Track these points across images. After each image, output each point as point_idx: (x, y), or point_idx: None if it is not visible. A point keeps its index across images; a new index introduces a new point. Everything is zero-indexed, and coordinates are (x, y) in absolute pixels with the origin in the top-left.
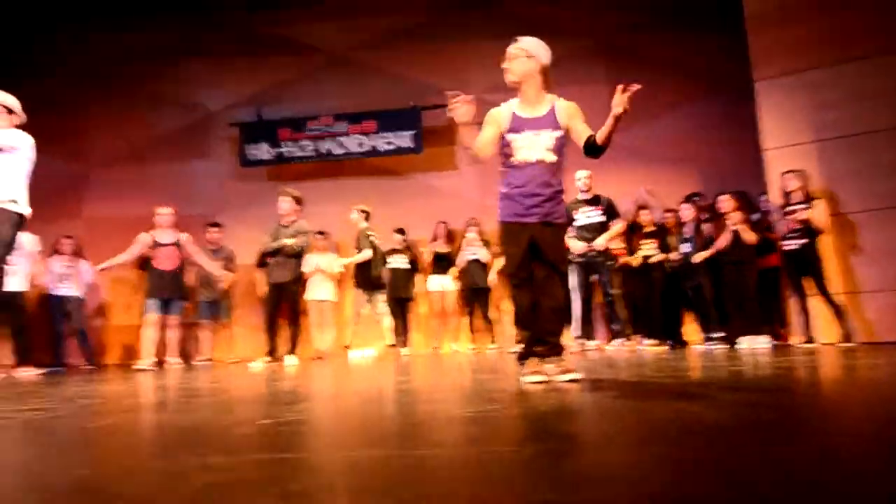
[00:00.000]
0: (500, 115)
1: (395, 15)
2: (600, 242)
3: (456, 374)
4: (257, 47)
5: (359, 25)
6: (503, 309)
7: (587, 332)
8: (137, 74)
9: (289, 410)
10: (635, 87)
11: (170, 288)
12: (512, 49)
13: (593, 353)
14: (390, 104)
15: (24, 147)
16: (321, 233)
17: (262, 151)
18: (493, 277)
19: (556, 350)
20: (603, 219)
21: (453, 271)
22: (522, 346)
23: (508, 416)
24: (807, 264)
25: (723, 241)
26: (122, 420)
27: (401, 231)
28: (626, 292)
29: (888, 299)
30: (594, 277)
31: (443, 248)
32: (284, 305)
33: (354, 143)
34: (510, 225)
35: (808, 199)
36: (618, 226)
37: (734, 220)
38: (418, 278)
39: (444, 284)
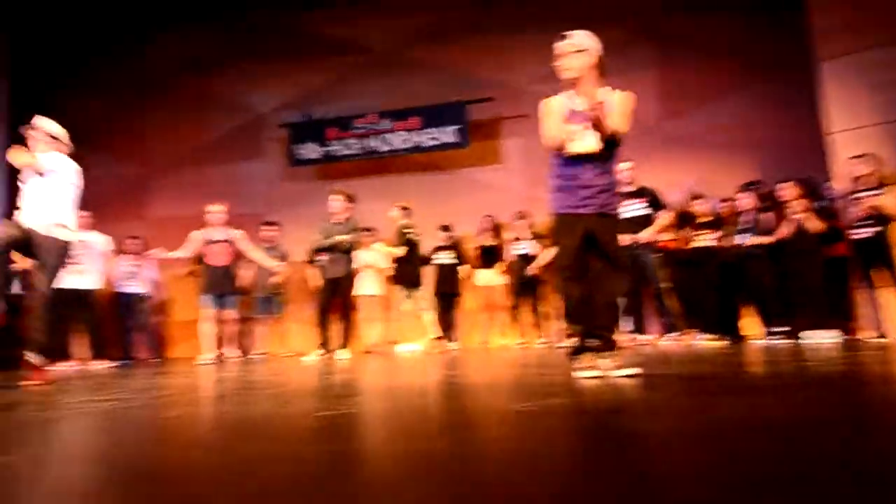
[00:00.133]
0: (558, 105)
1: (438, 10)
2: (645, 235)
3: (507, 369)
4: (303, 49)
5: (403, 22)
6: (552, 303)
7: (638, 327)
8: (192, 81)
9: (345, 403)
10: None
11: (222, 283)
12: (563, 45)
13: (646, 348)
14: (435, 99)
15: (67, 171)
16: (368, 229)
17: (310, 151)
18: (537, 266)
19: (610, 345)
20: (648, 211)
21: (500, 265)
22: (574, 340)
23: (564, 411)
24: (877, 254)
25: (785, 230)
26: (190, 412)
27: (446, 227)
28: (679, 285)
29: None
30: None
31: (489, 241)
32: (337, 300)
33: (399, 139)
34: (564, 216)
35: (879, 185)
36: (663, 217)
37: (797, 208)
38: (464, 273)
39: (492, 279)
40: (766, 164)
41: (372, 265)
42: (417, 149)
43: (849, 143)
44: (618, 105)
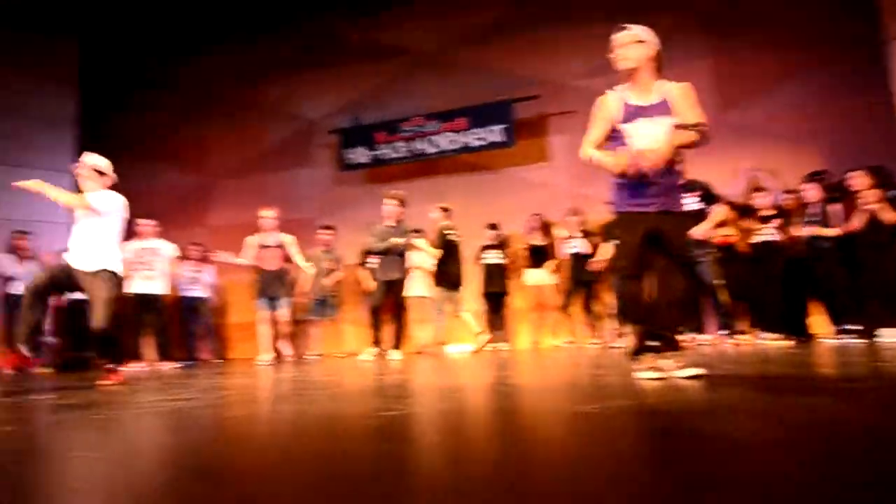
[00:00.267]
0: (611, 105)
1: (482, 10)
2: (699, 231)
3: (561, 370)
4: (351, 55)
5: (447, 24)
6: (606, 302)
7: (697, 326)
8: (247, 91)
9: (401, 403)
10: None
11: (273, 287)
12: (622, 36)
13: (707, 348)
14: (481, 99)
15: (118, 209)
16: (417, 231)
17: (359, 155)
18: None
19: (672, 345)
20: (700, 206)
21: (550, 264)
22: (633, 340)
23: (628, 412)
24: None
25: (856, 222)
26: (254, 410)
27: (493, 226)
28: (739, 282)
29: None
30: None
31: (538, 241)
32: (389, 301)
33: (446, 140)
34: (626, 214)
35: None
36: (718, 212)
37: (870, 198)
38: (513, 272)
39: (542, 278)
40: (832, 153)
41: (421, 266)
42: (464, 149)
43: None
44: (683, 99)
